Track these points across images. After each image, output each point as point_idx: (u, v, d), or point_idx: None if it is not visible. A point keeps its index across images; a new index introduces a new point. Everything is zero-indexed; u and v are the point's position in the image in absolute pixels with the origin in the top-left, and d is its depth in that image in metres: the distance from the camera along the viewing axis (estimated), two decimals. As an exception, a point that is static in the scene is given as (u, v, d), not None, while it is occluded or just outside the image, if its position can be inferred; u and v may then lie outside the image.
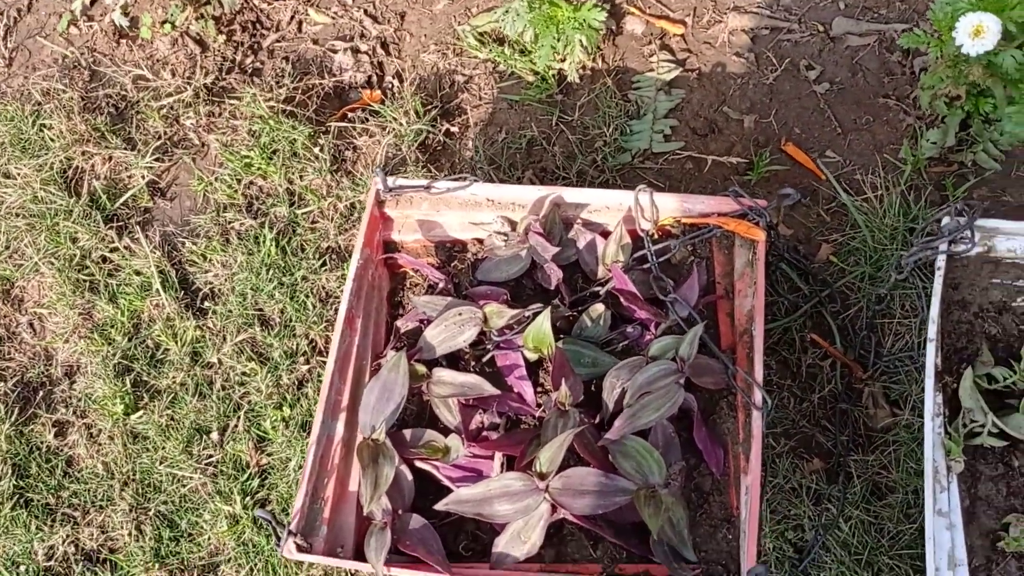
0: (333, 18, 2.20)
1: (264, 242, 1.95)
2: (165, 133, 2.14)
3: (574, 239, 1.64)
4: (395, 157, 1.99)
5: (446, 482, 1.50)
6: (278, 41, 2.20)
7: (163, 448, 1.84)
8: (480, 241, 1.70)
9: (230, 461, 1.82)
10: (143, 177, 2.10)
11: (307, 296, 1.90)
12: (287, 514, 1.73)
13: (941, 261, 1.45)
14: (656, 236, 1.62)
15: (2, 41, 2.32)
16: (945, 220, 1.46)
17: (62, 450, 1.90)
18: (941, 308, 1.44)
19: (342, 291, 1.59)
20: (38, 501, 1.86)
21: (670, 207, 1.58)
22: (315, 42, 2.17)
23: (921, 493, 1.48)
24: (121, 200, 2.08)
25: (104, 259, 2.03)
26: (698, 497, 1.49)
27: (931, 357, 1.41)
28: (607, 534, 1.43)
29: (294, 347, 1.88)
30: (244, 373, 1.87)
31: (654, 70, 1.98)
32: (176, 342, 1.92)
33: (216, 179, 2.06)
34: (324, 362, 1.77)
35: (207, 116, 2.12)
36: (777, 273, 1.74)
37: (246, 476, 1.80)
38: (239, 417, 1.84)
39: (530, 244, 1.60)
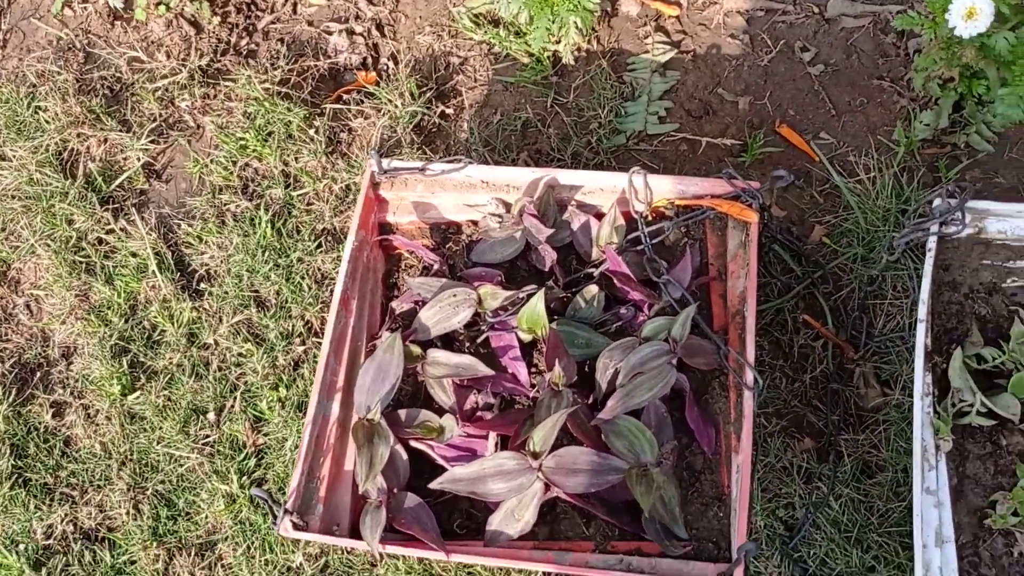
0: (328, -1, 2.19)
1: (260, 224, 1.96)
2: (160, 115, 2.14)
3: (568, 221, 1.65)
4: (390, 139, 1.99)
5: (441, 461, 1.51)
6: (273, 23, 2.20)
7: (160, 428, 1.85)
8: (475, 223, 1.71)
9: (227, 441, 1.83)
10: (138, 159, 2.10)
11: (303, 278, 1.91)
12: (283, 493, 1.75)
13: (932, 242, 1.46)
14: (650, 218, 1.62)
15: (-4, 22, 2.32)
16: (936, 202, 1.47)
17: (60, 430, 1.92)
18: (932, 289, 1.45)
19: (337, 272, 1.60)
20: (36, 481, 1.87)
21: (664, 189, 1.59)
22: (310, 24, 2.17)
23: (910, 472, 1.50)
24: (117, 182, 2.09)
25: (100, 241, 2.04)
26: (690, 476, 1.51)
27: (921, 337, 1.42)
28: (600, 512, 1.45)
29: (290, 328, 1.89)
30: (240, 354, 1.89)
31: (649, 52, 1.99)
32: (172, 323, 1.93)
33: (211, 161, 2.06)
34: (320, 343, 1.78)
35: (202, 98, 2.12)
36: (770, 254, 1.75)
37: (243, 456, 1.82)
38: (235, 398, 1.86)
39: (524, 226, 1.61)
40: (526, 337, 1.56)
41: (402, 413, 1.52)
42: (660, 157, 1.91)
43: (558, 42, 1.98)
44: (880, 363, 1.66)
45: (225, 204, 2.02)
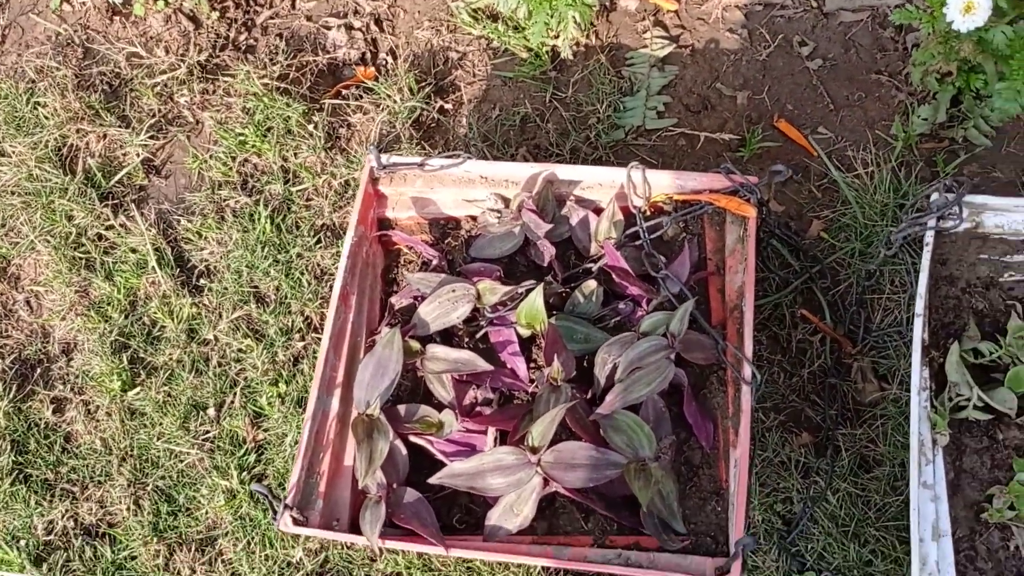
0: (326, -6, 2.19)
1: (259, 220, 1.96)
2: (159, 111, 2.14)
3: (567, 216, 1.65)
4: (389, 134, 1.99)
5: (440, 456, 1.51)
6: (271, 18, 2.19)
7: (160, 424, 1.86)
8: (473, 218, 1.71)
9: (227, 437, 1.84)
10: (138, 155, 2.10)
11: (302, 273, 1.92)
12: (283, 488, 1.75)
13: (929, 237, 1.47)
14: (648, 213, 1.63)
15: (-6, 18, 2.32)
16: (934, 196, 1.47)
17: (60, 426, 1.92)
18: (929, 283, 1.46)
19: (336, 268, 1.61)
20: (37, 476, 1.88)
21: (662, 184, 1.59)
22: (308, 19, 2.17)
23: (907, 466, 1.50)
24: (116, 178, 2.09)
25: (100, 237, 2.04)
26: (688, 470, 1.52)
27: (918, 332, 1.42)
28: (598, 507, 1.45)
29: (289, 324, 1.89)
30: (240, 350, 1.89)
31: (648, 46, 1.99)
32: (172, 319, 1.93)
33: (211, 157, 2.06)
34: (319, 339, 1.78)
35: (201, 94, 2.12)
36: (768, 249, 1.75)
37: (243, 451, 1.82)
38: (235, 393, 1.86)
39: (523, 221, 1.61)
40: (525, 332, 1.56)
41: (401, 408, 1.53)
42: (658, 152, 1.91)
43: (556, 37, 1.98)
44: (878, 358, 1.66)
45: (224, 200, 2.02)
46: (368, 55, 2.11)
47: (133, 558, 1.79)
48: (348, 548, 1.72)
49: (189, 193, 2.06)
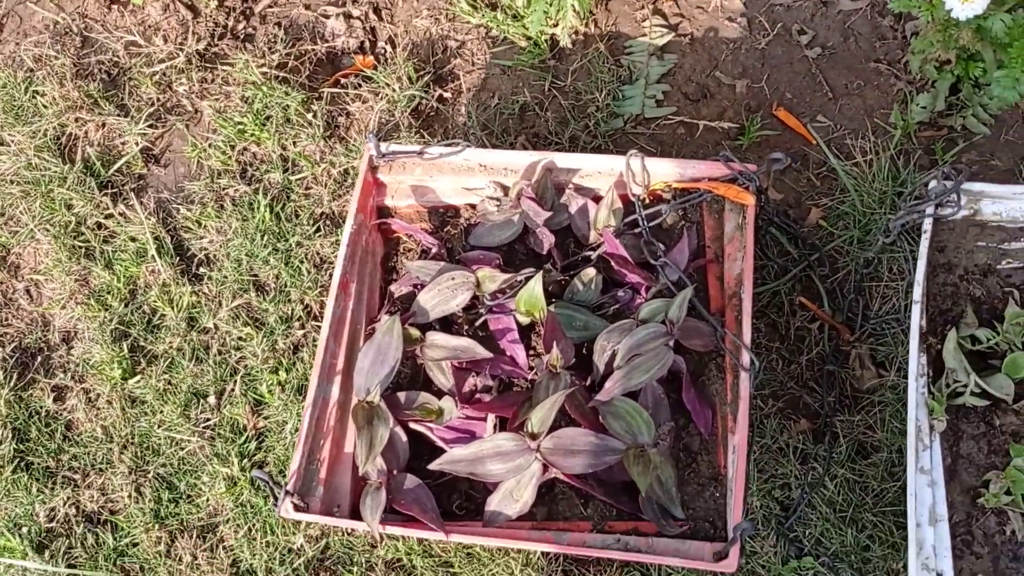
0: (325, -17, 2.19)
1: (258, 208, 1.96)
2: (158, 99, 2.14)
3: (566, 204, 1.65)
4: (388, 123, 1.99)
5: (440, 443, 1.52)
6: (270, 6, 2.19)
7: (161, 412, 1.87)
8: (473, 206, 1.72)
9: (227, 424, 1.84)
10: (136, 144, 2.10)
11: (301, 262, 1.92)
12: (284, 475, 1.76)
13: (927, 224, 1.47)
14: (647, 201, 1.63)
15: (-8, 7, 2.31)
16: (932, 184, 1.48)
17: (61, 414, 1.93)
18: (927, 271, 1.46)
19: (336, 256, 1.61)
20: (38, 464, 1.89)
21: (661, 172, 1.59)
22: (307, 7, 2.17)
23: (905, 452, 1.51)
24: (115, 167, 2.09)
25: (99, 225, 2.04)
26: (686, 456, 1.52)
27: (916, 319, 1.43)
28: (597, 492, 1.46)
29: (289, 312, 1.90)
30: (240, 338, 1.89)
31: (647, 35, 1.99)
32: (172, 307, 1.94)
33: (210, 145, 2.06)
34: (319, 327, 1.79)
35: (200, 82, 2.12)
36: (766, 237, 1.76)
37: (243, 439, 1.83)
38: (236, 381, 1.87)
39: (522, 209, 1.62)
40: (524, 320, 1.57)
41: (401, 395, 1.53)
42: (658, 140, 1.91)
43: (556, 25, 1.98)
44: (876, 345, 1.67)
45: (224, 188, 2.02)
46: (367, 44, 2.11)
47: (135, 545, 1.80)
48: (349, 534, 1.73)
49: (188, 182, 2.06)
